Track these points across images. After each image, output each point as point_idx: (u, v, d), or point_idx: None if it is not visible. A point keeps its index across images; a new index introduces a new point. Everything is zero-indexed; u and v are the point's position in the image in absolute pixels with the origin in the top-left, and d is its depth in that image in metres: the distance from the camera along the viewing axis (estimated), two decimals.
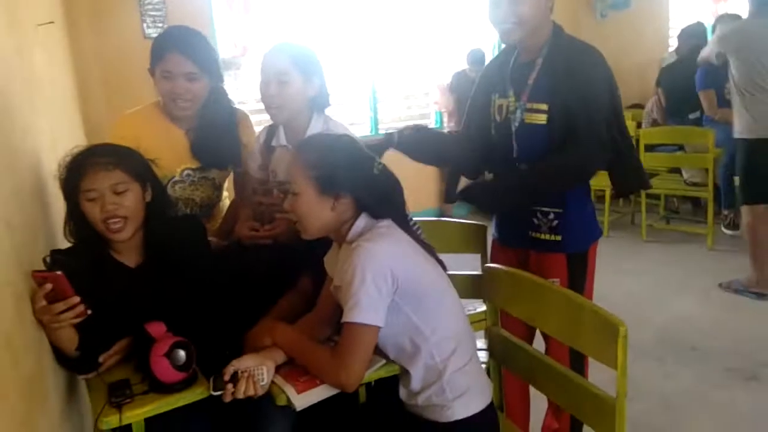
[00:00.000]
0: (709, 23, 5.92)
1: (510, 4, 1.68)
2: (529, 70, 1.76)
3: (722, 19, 4.51)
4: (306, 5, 4.90)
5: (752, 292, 3.53)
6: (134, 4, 4.27)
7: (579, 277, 1.82)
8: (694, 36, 4.78)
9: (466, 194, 1.78)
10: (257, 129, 2.07)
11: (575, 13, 5.72)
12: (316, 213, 1.43)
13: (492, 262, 2.01)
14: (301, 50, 1.79)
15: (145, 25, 4.29)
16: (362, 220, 1.45)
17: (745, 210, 3.57)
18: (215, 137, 1.99)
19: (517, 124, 1.79)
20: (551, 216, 1.80)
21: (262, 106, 1.81)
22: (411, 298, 1.40)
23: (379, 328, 1.37)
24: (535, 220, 1.82)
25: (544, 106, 1.73)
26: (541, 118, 1.73)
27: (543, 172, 1.75)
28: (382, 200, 1.46)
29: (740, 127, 3.43)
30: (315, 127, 1.80)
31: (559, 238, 1.81)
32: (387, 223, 1.46)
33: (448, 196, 5.16)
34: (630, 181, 1.93)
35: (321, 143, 1.50)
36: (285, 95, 1.74)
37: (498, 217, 1.99)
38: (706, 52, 3.67)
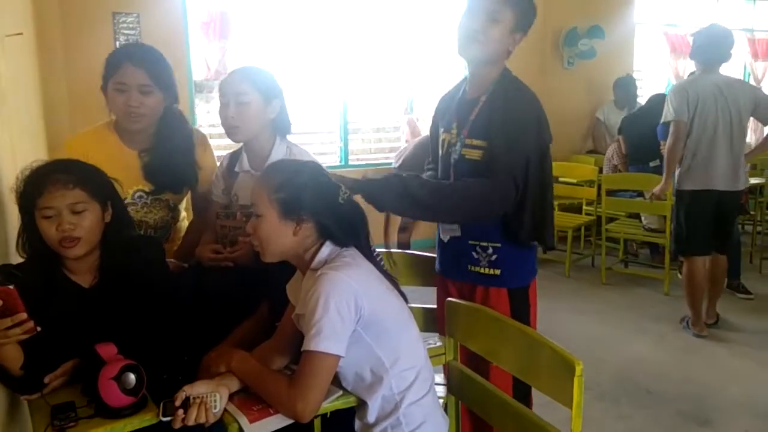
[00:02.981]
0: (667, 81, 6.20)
1: (486, 20, 1.71)
2: (473, 106, 1.81)
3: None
4: (283, 35, 4.95)
5: (693, 332, 3.69)
6: (108, 22, 4.25)
7: (522, 314, 1.82)
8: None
9: (363, 190, 1.62)
10: (225, 152, 2.04)
11: (543, 60, 5.90)
12: (278, 236, 1.42)
13: (436, 294, 2.01)
14: (261, 72, 1.81)
15: (117, 43, 4.25)
16: (327, 248, 1.45)
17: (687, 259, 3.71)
18: (169, 159, 1.95)
19: (456, 156, 1.82)
20: (490, 251, 1.81)
21: None
22: (374, 328, 1.40)
23: (339, 357, 1.35)
24: (474, 254, 1.84)
25: (482, 143, 1.76)
26: (478, 154, 1.77)
27: (447, 190, 1.73)
28: (347, 228, 1.46)
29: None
30: (278, 153, 1.81)
31: (498, 272, 1.82)
32: (352, 252, 1.46)
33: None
34: (525, 231, 1.77)
35: (287, 167, 1.50)
36: (244, 115, 1.75)
37: (441, 249, 1.97)
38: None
